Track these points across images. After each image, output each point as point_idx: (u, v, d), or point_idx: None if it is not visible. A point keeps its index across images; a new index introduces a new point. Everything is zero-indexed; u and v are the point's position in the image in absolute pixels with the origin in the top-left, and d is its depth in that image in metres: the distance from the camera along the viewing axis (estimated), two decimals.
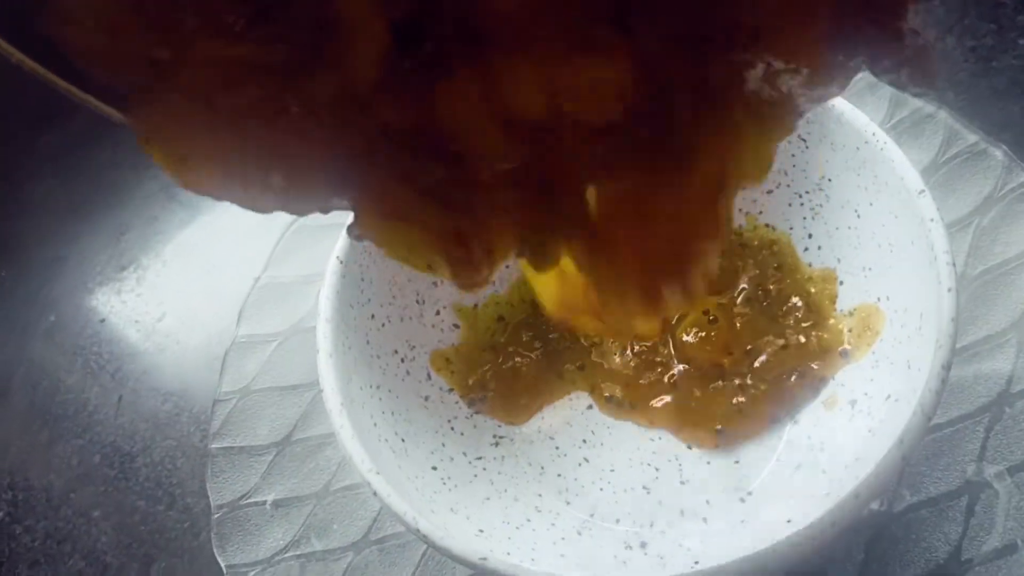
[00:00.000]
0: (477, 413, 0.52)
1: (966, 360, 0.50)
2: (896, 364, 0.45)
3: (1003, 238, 0.52)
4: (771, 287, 0.53)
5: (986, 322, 0.51)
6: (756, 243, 0.53)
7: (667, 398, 0.52)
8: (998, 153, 0.54)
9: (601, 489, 0.50)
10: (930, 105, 0.57)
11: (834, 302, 0.50)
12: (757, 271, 0.53)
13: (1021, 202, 0.52)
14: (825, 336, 0.50)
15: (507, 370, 0.53)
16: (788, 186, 0.52)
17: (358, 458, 0.42)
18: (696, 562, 0.43)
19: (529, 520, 0.48)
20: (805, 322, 0.51)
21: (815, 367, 0.50)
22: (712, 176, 0.26)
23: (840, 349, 0.49)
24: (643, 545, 0.47)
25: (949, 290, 0.40)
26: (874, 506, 0.47)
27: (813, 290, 0.51)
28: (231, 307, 0.63)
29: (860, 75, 0.60)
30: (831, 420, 0.47)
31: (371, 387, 0.48)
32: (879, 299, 0.48)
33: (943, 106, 0.57)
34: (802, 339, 0.51)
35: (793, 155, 0.51)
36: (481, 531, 0.45)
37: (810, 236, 0.52)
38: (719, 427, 0.50)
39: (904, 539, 0.46)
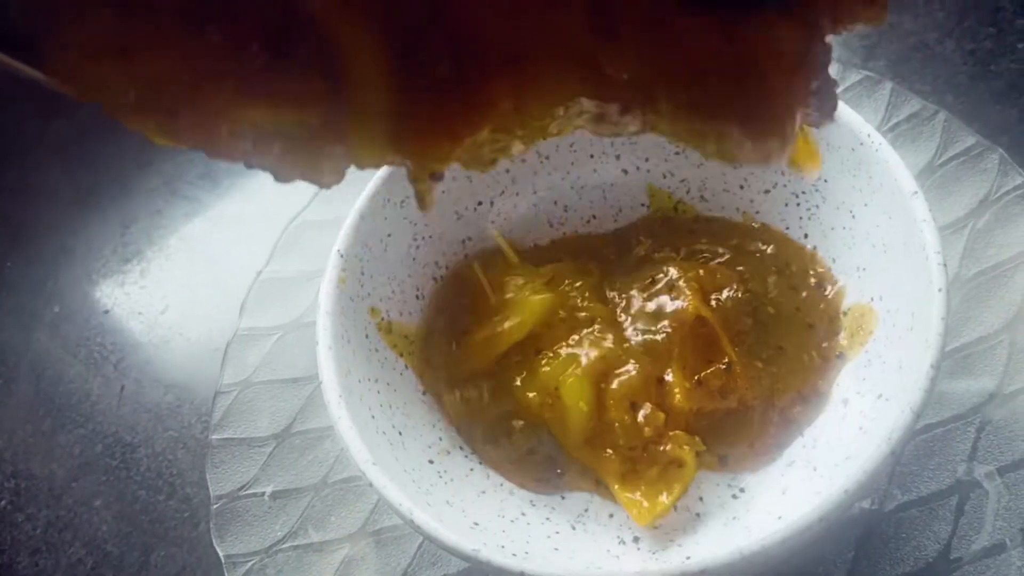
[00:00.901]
0: None
1: (959, 361, 0.51)
2: (888, 363, 0.45)
3: (997, 240, 0.53)
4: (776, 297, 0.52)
5: (979, 323, 0.51)
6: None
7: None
8: (994, 156, 0.55)
9: (597, 482, 0.50)
10: (928, 108, 0.58)
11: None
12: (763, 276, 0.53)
13: (1016, 205, 0.53)
14: (825, 345, 0.50)
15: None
16: (785, 186, 0.52)
17: (355, 449, 0.43)
18: (688, 557, 0.43)
19: (524, 514, 0.48)
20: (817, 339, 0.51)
21: (820, 384, 0.50)
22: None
23: (838, 354, 0.50)
24: (636, 540, 0.47)
25: (940, 290, 0.41)
26: (865, 505, 0.48)
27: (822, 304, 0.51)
28: (233, 300, 0.64)
29: (858, 77, 0.60)
30: (823, 419, 0.48)
31: (370, 380, 0.49)
32: (872, 299, 0.48)
33: (942, 108, 0.58)
34: (806, 358, 0.50)
35: None
36: (476, 524, 0.45)
37: (806, 236, 0.52)
38: (724, 455, 0.49)
39: (894, 537, 0.47)
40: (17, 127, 0.84)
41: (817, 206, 0.51)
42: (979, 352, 0.50)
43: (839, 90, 0.57)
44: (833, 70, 0.60)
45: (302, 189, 0.67)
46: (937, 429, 0.49)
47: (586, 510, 0.49)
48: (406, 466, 0.46)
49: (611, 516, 0.49)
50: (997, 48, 0.65)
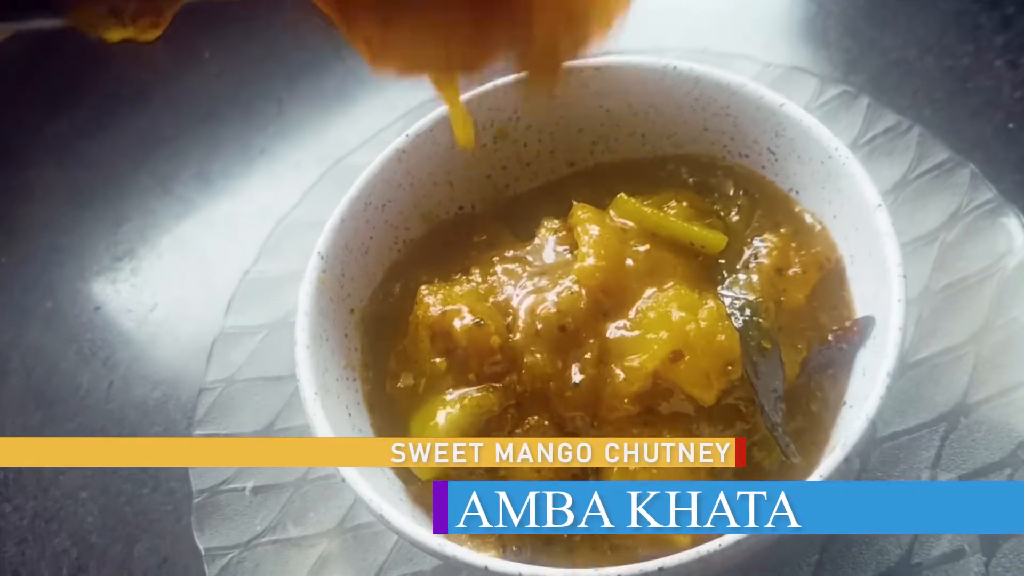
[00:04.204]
0: None
1: (927, 371, 0.51)
2: (854, 370, 0.46)
3: (967, 253, 0.54)
4: None
5: (947, 334, 0.52)
6: None
7: None
8: (965, 171, 0.56)
9: None
10: (903, 123, 0.59)
11: None
12: None
13: (985, 219, 0.54)
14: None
15: None
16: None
17: None
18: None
19: None
20: None
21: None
22: None
23: None
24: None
25: (899, 301, 0.42)
26: None
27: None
28: (221, 299, 0.65)
29: (836, 91, 0.61)
30: None
31: (348, 379, 0.50)
32: None
33: (917, 123, 0.59)
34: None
35: (763, 167, 0.52)
36: None
37: None
38: None
39: (858, 542, 0.48)
40: (13, 127, 0.85)
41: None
42: (946, 363, 0.51)
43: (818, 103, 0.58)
44: (812, 84, 0.62)
45: (292, 189, 0.68)
46: (903, 437, 0.50)
47: None
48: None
49: None
50: (975, 65, 0.66)
